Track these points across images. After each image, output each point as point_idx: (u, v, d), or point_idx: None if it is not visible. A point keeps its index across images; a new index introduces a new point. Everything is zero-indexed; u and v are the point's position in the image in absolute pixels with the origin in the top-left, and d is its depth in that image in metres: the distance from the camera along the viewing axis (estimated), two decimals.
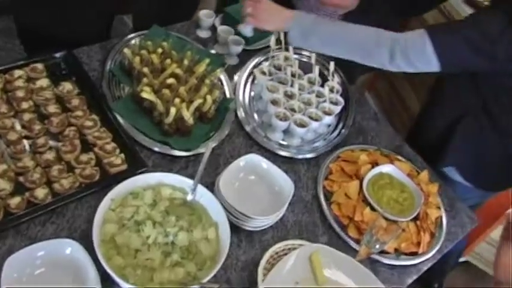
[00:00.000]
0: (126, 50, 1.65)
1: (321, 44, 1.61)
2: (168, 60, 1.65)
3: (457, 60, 1.49)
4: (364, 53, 1.56)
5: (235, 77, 1.82)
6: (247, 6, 1.65)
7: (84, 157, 1.42)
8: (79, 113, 1.52)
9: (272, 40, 1.79)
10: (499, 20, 1.42)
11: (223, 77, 1.78)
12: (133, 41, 1.79)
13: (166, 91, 1.55)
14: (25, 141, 1.42)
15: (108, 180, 1.38)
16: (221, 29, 1.89)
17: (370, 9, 1.77)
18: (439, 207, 1.66)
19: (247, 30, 1.73)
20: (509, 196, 2.18)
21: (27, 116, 1.47)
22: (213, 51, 1.89)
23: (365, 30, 1.56)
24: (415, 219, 1.57)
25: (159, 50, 1.68)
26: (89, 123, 1.50)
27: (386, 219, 1.41)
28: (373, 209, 1.52)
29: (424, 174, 1.71)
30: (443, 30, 1.52)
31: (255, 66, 1.86)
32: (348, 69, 1.91)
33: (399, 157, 1.76)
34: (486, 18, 1.47)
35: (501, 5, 1.47)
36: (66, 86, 1.58)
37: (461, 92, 1.71)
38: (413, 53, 1.48)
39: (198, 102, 1.55)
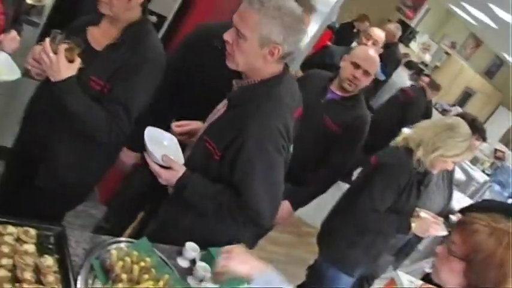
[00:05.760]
0: (113, 252, 1.75)
1: None
2: (146, 276, 1.73)
3: None
4: None
5: None
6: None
7: None
8: None
9: None
10: None
11: None
12: (122, 245, 1.88)
13: None
14: None
15: None
16: (200, 264, 2.01)
17: None
18: None
19: None
20: None
21: (2, 272, 1.49)
22: (189, 282, 1.97)
23: None
24: None
25: (142, 263, 1.77)
26: None
27: None
28: None
29: None
30: None
31: None
32: None
33: None
34: None
35: None
36: (48, 261, 1.62)
37: None
38: None
39: None
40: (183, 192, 1.97)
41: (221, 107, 2.07)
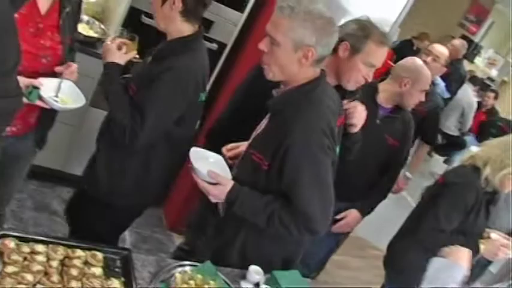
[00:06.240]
0: (177, 275, 1.78)
1: None
2: None
3: None
4: None
5: None
6: None
7: None
8: None
9: None
10: None
11: None
12: (187, 268, 1.90)
13: None
14: None
15: None
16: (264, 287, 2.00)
17: None
18: None
19: None
20: None
21: None
22: None
23: None
24: None
25: (206, 287, 1.79)
26: None
27: None
28: None
29: None
30: None
31: None
32: None
33: None
34: None
35: None
36: (114, 283, 1.67)
37: None
38: None
39: None
40: (233, 206, 1.95)
41: (264, 121, 2.08)
